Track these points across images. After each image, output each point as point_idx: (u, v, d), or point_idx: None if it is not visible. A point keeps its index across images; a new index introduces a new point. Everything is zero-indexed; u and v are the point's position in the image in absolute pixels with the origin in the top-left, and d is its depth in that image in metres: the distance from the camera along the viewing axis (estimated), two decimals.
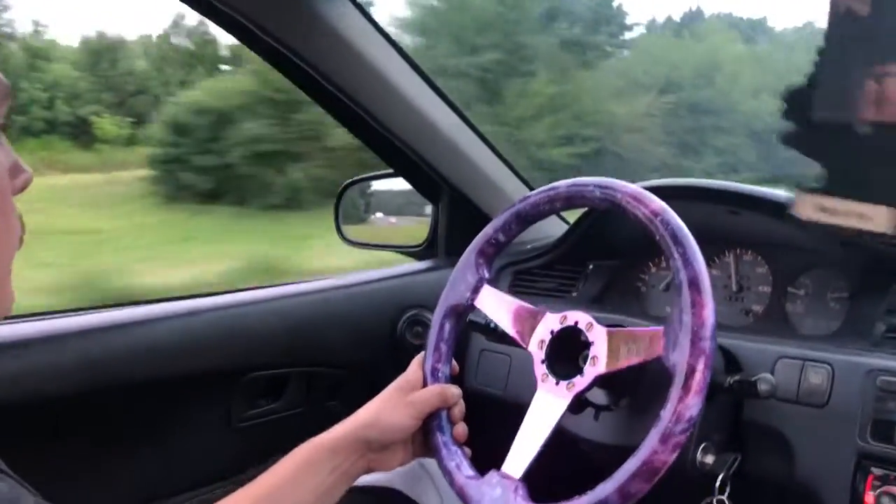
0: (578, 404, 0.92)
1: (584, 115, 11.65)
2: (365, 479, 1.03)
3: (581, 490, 0.80)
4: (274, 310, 1.32)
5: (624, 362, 0.86)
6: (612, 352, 0.86)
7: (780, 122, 0.96)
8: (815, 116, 0.96)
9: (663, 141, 12.37)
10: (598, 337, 0.88)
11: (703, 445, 0.96)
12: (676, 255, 0.83)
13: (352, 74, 1.26)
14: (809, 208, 0.99)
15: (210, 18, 1.13)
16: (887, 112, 0.91)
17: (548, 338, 0.93)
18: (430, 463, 1.04)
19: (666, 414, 0.77)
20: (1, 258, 0.61)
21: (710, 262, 1.29)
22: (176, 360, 1.21)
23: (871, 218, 0.90)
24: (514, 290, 1.47)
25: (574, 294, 1.42)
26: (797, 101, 0.98)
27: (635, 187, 0.91)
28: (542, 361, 0.92)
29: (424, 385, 0.99)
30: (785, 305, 1.20)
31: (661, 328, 0.84)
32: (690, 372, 0.77)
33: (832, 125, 0.98)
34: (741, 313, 1.26)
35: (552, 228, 1.56)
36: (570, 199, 0.99)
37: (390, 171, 1.57)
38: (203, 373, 1.24)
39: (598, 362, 0.87)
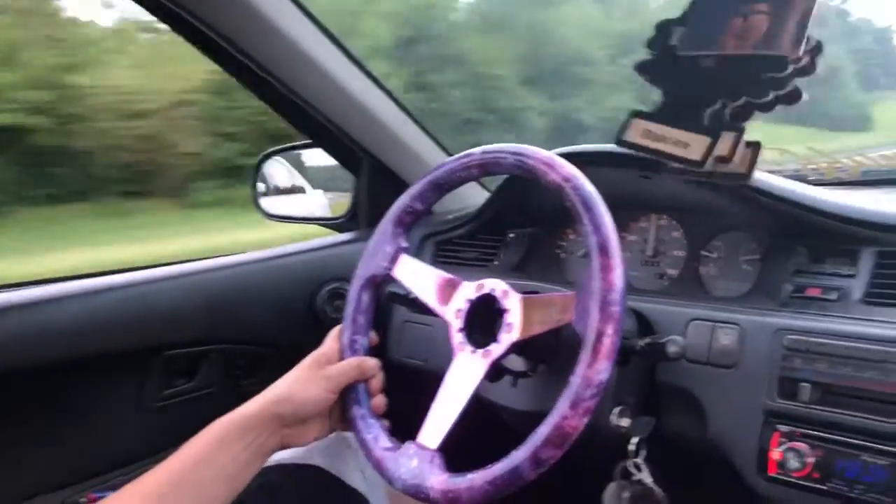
0: (496, 372, 0.91)
1: None
2: (284, 455, 1.01)
3: (499, 459, 0.80)
4: (189, 286, 1.29)
5: (538, 328, 0.86)
6: (527, 318, 0.86)
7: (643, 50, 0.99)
8: (679, 51, 0.99)
9: None
10: (513, 304, 0.88)
11: (618, 409, 0.97)
12: (586, 221, 0.83)
13: (263, 42, 1.22)
14: (636, 132, 1.03)
15: None
16: (747, 44, 0.93)
17: (465, 306, 0.92)
18: (353, 437, 1.03)
19: (575, 379, 0.77)
20: None
21: (625, 227, 1.31)
22: (88, 339, 1.16)
23: (690, 145, 0.92)
24: (437, 260, 1.46)
25: (495, 263, 1.41)
26: (660, 33, 1.01)
27: (548, 153, 0.90)
28: (460, 330, 0.91)
29: (342, 358, 0.98)
30: (699, 269, 1.22)
31: (572, 293, 0.84)
32: (599, 337, 0.77)
33: (682, 57, 1.01)
34: (656, 277, 1.28)
35: (475, 198, 1.55)
36: (484, 166, 0.98)
37: (309, 141, 1.53)
38: (116, 352, 1.20)
39: (512, 329, 0.86)
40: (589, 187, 0.85)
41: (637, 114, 1.05)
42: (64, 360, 1.14)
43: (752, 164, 0.98)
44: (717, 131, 0.97)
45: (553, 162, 0.88)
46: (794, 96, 0.94)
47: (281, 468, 1.02)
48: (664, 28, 1.03)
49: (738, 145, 0.96)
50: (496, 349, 0.87)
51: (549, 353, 0.99)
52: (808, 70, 0.93)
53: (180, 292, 1.27)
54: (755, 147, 0.99)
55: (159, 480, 0.82)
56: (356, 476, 1.05)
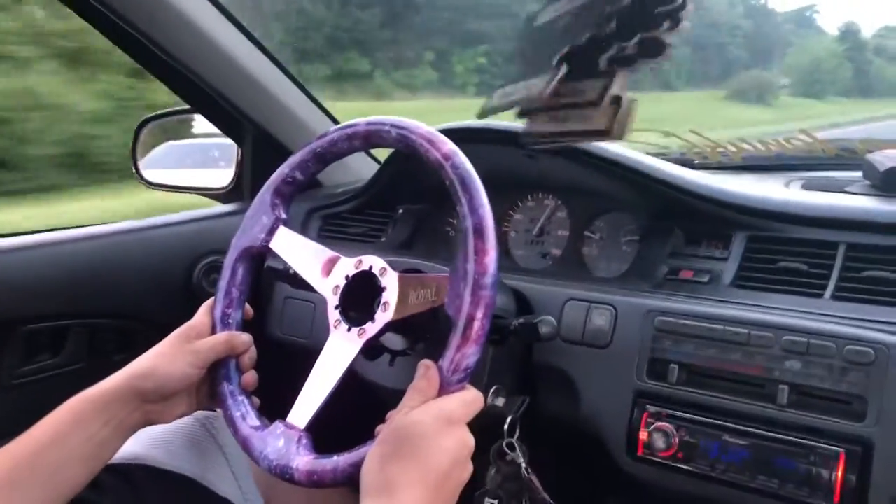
0: (374, 350, 0.89)
1: None
2: (150, 456, 0.95)
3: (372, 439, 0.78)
4: (52, 255, 1.21)
5: (412, 309, 0.85)
6: (402, 298, 0.85)
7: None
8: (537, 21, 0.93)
9: None
10: (390, 282, 0.86)
11: (493, 388, 0.97)
12: (463, 202, 0.81)
13: (140, 5, 1.15)
14: (541, 125, 0.98)
15: None
16: None
17: (342, 283, 0.89)
18: (227, 444, 0.99)
19: (444, 363, 0.77)
20: None
21: (514, 206, 1.31)
22: None
23: (592, 118, 0.89)
24: (323, 235, 1.43)
25: (383, 239, 1.39)
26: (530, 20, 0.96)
27: (429, 129, 0.88)
28: (336, 307, 0.89)
29: (213, 332, 0.93)
30: (581, 249, 1.23)
31: (446, 275, 0.83)
32: (469, 321, 0.76)
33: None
34: (539, 257, 1.28)
35: (366, 170, 1.52)
36: (367, 138, 0.95)
37: (189, 107, 1.46)
38: None
39: (388, 308, 0.85)
40: (468, 166, 0.83)
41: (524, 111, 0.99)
42: None
43: (615, 120, 0.93)
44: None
45: (434, 138, 0.86)
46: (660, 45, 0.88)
47: (146, 470, 0.95)
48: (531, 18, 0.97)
49: (605, 94, 0.91)
50: (371, 328, 0.85)
51: (428, 333, 0.98)
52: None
53: (42, 262, 1.19)
54: (629, 105, 0.94)
55: (7, 465, 0.76)
56: (230, 486, 1.00)
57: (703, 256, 1.05)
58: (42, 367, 1.20)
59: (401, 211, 1.40)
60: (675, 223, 1.08)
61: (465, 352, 0.76)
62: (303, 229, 1.42)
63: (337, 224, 1.44)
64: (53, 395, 1.18)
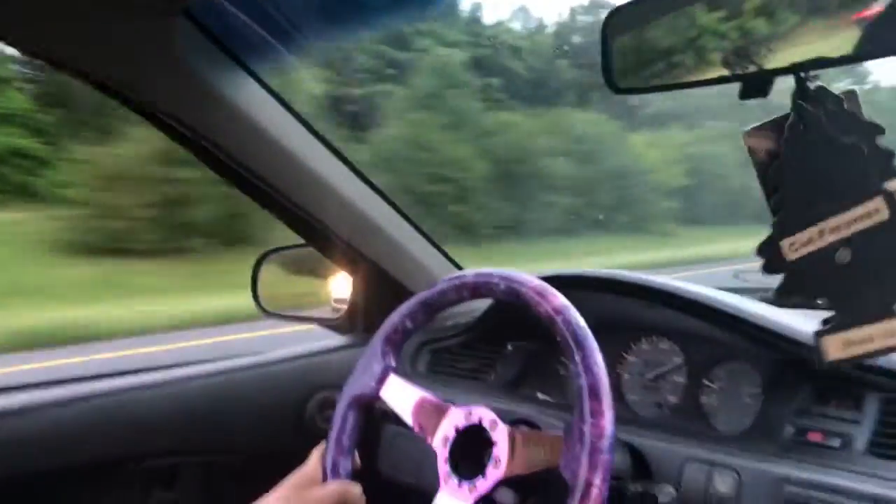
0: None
1: None
2: None
3: None
4: (170, 394, 1.25)
5: (524, 468, 0.83)
6: (514, 455, 0.83)
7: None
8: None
9: None
10: (500, 437, 0.85)
11: None
12: (577, 359, 0.80)
13: (252, 147, 1.21)
14: (836, 348, 0.90)
15: (101, 91, 1.07)
16: None
17: (452, 435, 0.89)
18: None
19: None
20: None
21: (626, 349, 1.27)
22: (62, 449, 1.14)
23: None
24: (433, 370, 1.43)
25: (492, 377, 1.37)
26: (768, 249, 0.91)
27: (539, 282, 0.88)
28: (446, 460, 0.88)
29: (324, 480, 0.94)
30: (700, 398, 1.17)
31: (560, 436, 0.81)
32: (587, 486, 0.75)
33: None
34: (654, 406, 1.23)
35: (478, 302, 1.52)
36: (476, 290, 0.96)
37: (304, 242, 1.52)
38: (90, 463, 1.16)
39: (499, 464, 0.84)
40: (580, 322, 0.83)
41: (820, 331, 0.90)
42: (38, 471, 1.11)
43: None
44: None
45: (545, 292, 0.86)
46: None
47: None
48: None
49: None
50: (482, 485, 0.84)
51: (539, 489, 0.95)
52: None
53: (160, 400, 1.24)
54: None
55: None
56: None
57: (833, 417, 0.98)
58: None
59: (510, 347, 1.39)
60: (802, 378, 1.02)
61: None
62: (412, 364, 1.42)
63: (446, 358, 1.44)
64: None
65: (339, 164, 1.31)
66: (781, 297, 0.91)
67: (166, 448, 1.23)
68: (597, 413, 0.77)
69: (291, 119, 1.22)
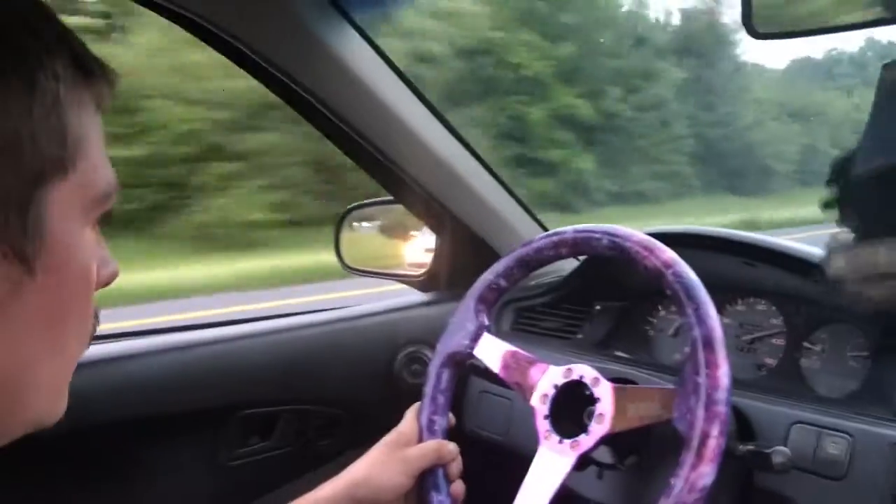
0: (582, 462, 0.87)
1: None
2: None
3: None
4: (268, 344, 1.28)
5: (632, 422, 0.83)
6: (620, 410, 0.83)
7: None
8: (857, 170, 0.89)
9: None
10: (604, 393, 0.84)
11: None
12: (690, 312, 0.79)
13: (350, 100, 1.21)
14: (844, 260, 0.92)
15: (207, 42, 1.08)
16: None
17: (551, 392, 0.89)
18: None
19: (678, 482, 0.73)
20: (69, 360, 0.51)
21: (721, 310, 1.25)
22: (166, 396, 1.17)
23: None
24: (517, 328, 1.43)
25: (579, 336, 1.37)
26: (841, 166, 0.91)
27: (646, 237, 0.87)
28: (546, 417, 0.88)
29: (420, 439, 0.95)
30: (800, 361, 1.15)
31: (672, 387, 0.80)
32: (704, 438, 0.74)
33: (873, 175, 0.91)
34: (753, 367, 1.20)
35: (560, 262, 1.51)
36: (576, 246, 0.95)
37: (391, 198, 1.52)
38: (194, 410, 1.19)
39: (604, 420, 0.83)
40: (691, 275, 0.82)
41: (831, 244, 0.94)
42: (142, 417, 1.14)
43: None
44: None
45: (653, 246, 0.85)
46: None
47: None
48: (842, 162, 0.92)
49: None
50: (585, 441, 0.83)
51: (640, 446, 0.94)
52: None
53: (261, 351, 1.26)
54: None
55: None
56: None
57: None
58: (254, 450, 1.26)
59: (598, 307, 1.38)
60: None
61: (702, 471, 0.72)
62: (497, 321, 1.42)
63: (531, 317, 1.43)
64: (263, 477, 1.25)
65: (435, 120, 1.31)
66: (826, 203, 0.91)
67: (263, 398, 1.26)
68: (712, 364, 0.76)
69: (391, 74, 1.22)
